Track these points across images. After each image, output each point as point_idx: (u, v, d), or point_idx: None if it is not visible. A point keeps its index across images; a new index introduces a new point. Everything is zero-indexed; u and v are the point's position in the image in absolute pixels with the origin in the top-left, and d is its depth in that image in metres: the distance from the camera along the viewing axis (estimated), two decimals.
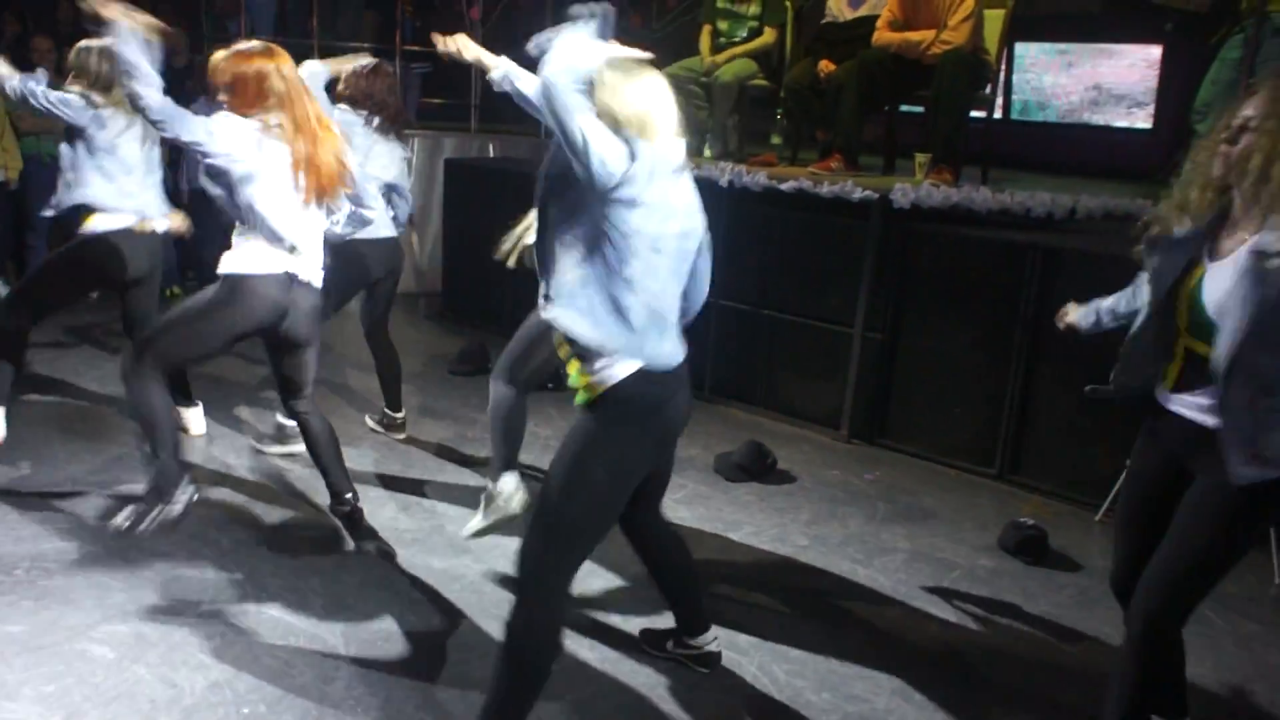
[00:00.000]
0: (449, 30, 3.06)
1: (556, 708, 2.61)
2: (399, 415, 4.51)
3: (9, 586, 3.04)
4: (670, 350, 2.23)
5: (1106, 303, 2.57)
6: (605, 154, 1.99)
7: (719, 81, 5.57)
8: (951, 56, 4.79)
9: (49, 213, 4.01)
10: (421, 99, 7.77)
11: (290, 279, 3.08)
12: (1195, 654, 3.07)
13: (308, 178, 3.02)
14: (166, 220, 4.08)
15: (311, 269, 3.15)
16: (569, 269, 2.13)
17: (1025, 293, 4.24)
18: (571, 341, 2.16)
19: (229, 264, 3.05)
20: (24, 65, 3.89)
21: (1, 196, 6.14)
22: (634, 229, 2.07)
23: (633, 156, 2.03)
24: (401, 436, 4.50)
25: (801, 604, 3.26)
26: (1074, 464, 4.14)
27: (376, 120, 4.14)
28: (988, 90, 5.19)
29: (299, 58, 3.85)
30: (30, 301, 3.99)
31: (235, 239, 3.07)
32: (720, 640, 2.85)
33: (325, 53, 7.13)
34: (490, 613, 3.03)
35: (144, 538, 3.09)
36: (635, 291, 2.11)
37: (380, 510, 3.71)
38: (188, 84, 7.13)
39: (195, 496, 3.17)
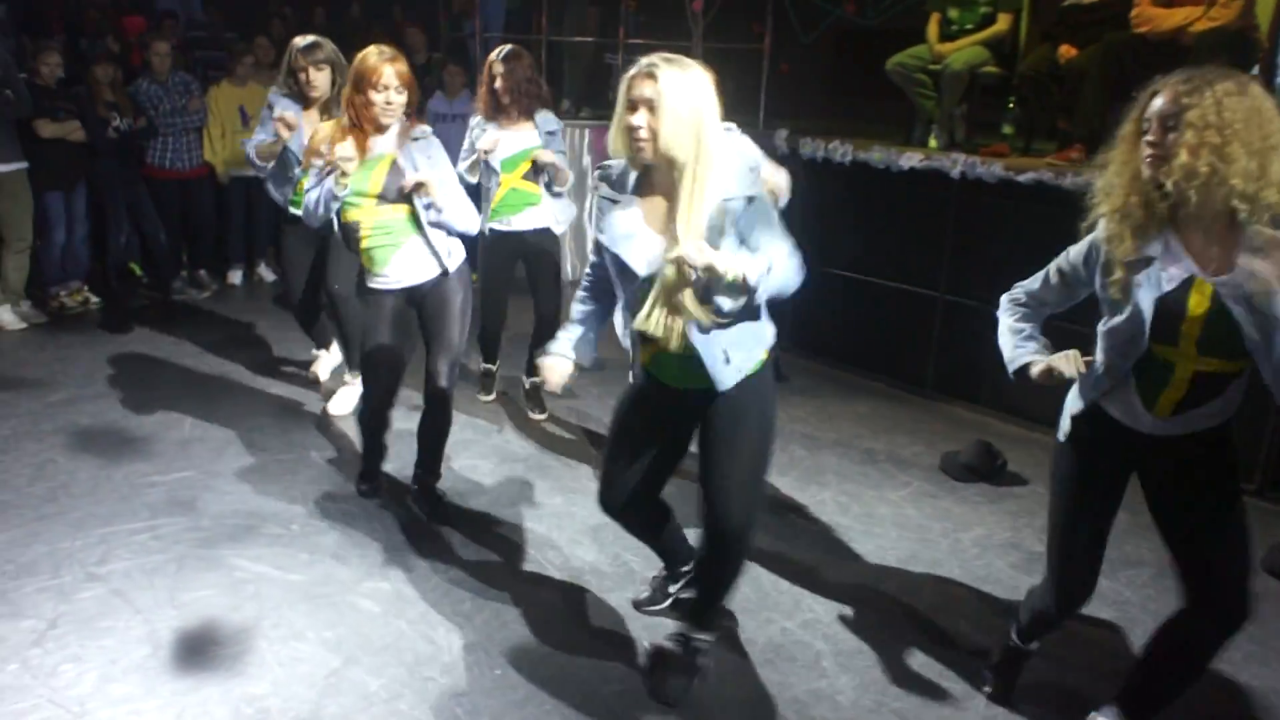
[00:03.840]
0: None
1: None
2: (492, 366, 4.74)
3: (288, 540, 3.37)
4: None
5: (1027, 330, 2.33)
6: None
7: (949, 70, 5.38)
8: (1214, 34, 4.44)
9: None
10: None
11: None
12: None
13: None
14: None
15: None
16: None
17: None
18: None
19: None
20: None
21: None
22: None
23: None
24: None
25: None
26: None
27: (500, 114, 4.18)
28: (1254, 71, 4.77)
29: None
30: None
31: None
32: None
33: (551, 48, 7.45)
34: None
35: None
36: None
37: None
38: (425, 80, 7.59)
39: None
